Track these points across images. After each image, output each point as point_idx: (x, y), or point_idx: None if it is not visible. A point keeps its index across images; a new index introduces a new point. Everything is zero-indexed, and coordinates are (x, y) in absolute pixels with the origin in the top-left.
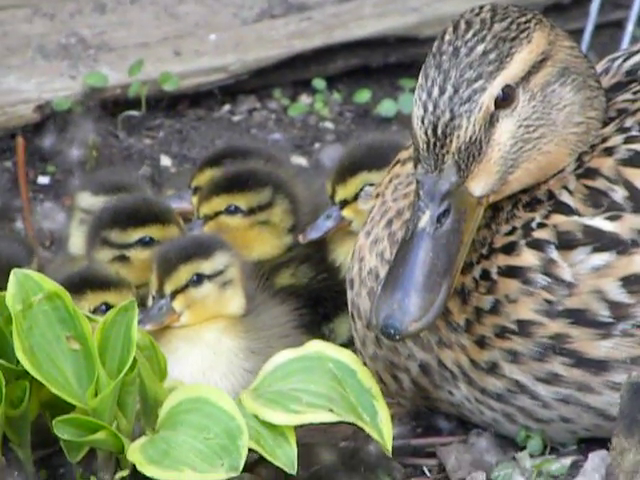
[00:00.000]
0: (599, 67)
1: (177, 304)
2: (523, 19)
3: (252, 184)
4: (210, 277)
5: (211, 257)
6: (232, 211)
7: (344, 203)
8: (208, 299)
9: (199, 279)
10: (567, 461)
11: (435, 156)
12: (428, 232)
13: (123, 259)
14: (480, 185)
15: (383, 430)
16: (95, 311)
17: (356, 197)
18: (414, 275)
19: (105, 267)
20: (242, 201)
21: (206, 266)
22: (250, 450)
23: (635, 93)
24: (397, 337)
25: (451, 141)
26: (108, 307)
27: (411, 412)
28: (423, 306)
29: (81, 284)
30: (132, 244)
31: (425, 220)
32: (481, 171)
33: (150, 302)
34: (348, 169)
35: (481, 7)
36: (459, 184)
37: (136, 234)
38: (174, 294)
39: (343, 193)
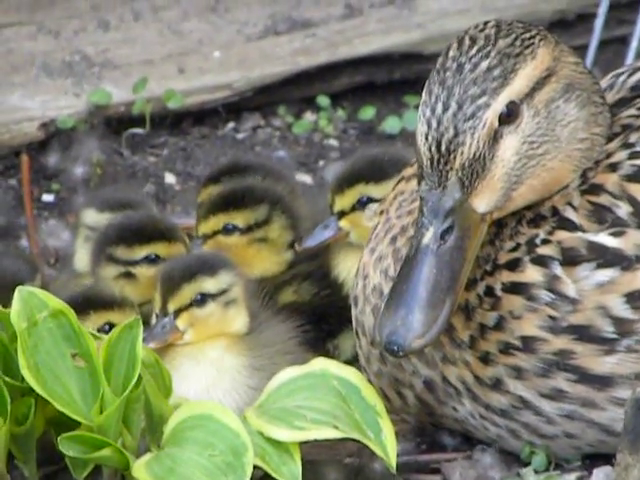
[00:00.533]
0: (604, 83)
1: (181, 322)
2: (527, 35)
3: (248, 201)
4: (214, 296)
5: (215, 276)
6: (230, 230)
7: (341, 214)
8: (212, 318)
9: (203, 298)
10: (571, 477)
11: (439, 173)
12: (432, 249)
13: (129, 276)
14: (484, 202)
15: (387, 447)
16: (99, 331)
17: (353, 208)
18: (417, 292)
19: (108, 286)
20: (239, 219)
21: (210, 285)
22: (255, 467)
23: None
24: (400, 354)
25: (455, 158)
26: (111, 327)
27: (415, 428)
28: (426, 322)
29: (84, 304)
30: (138, 261)
31: (429, 237)
32: (485, 187)
33: (154, 320)
34: (346, 180)
35: (485, 23)
36: (463, 201)
37: (142, 251)
38: (178, 312)
39: (341, 204)
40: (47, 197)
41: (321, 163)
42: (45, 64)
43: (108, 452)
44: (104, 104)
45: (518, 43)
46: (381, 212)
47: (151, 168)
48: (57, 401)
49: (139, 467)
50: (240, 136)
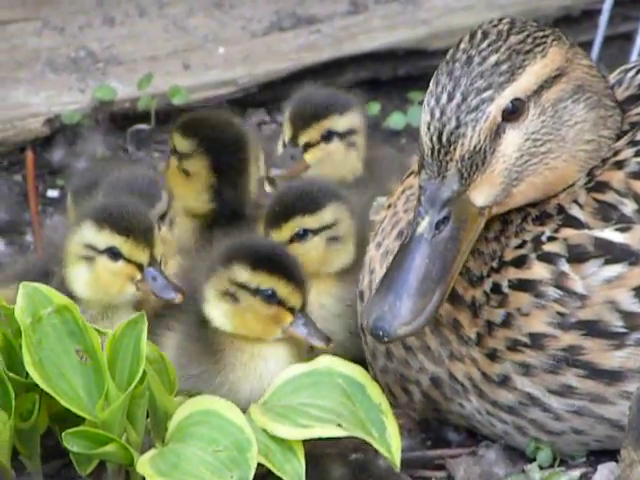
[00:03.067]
0: (612, 78)
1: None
2: (540, 34)
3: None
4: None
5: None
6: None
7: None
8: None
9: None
10: (576, 473)
11: (439, 163)
12: (426, 238)
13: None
14: (482, 195)
15: (392, 446)
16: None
17: (291, 240)
18: (408, 279)
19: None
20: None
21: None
22: (258, 464)
23: None
24: (385, 339)
25: (455, 149)
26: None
27: (421, 424)
28: (414, 310)
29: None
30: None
31: (424, 226)
32: (484, 181)
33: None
34: (282, 214)
35: (500, 19)
36: (461, 192)
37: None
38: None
39: (277, 237)
40: (52, 193)
41: None
42: (50, 60)
43: (112, 448)
44: (109, 100)
45: (530, 40)
46: (388, 206)
47: (156, 164)
48: (61, 397)
49: (143, 463)
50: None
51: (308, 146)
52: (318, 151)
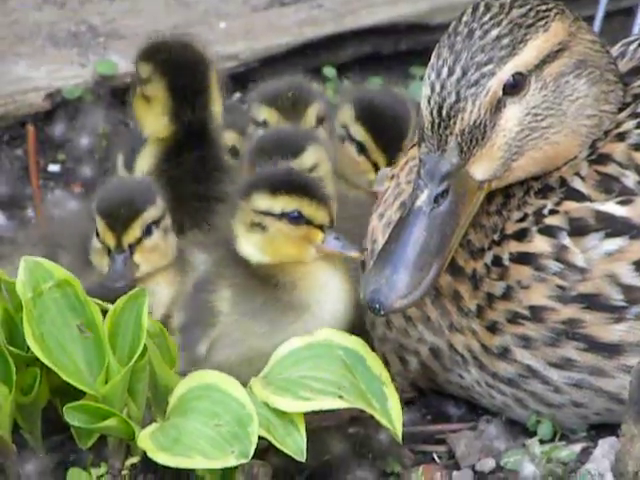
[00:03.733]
0: (614, 51)
1: None
2: (544, 7)
3: None
4: None
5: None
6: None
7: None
8: None
9: None
10: (577, 448)
11: (439, 136)
12: (424, 211)
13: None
14: (482, 169)
15: (393, 416)
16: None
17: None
18: (405, 252)
19: None
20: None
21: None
22: (260, 438)
23: None
24: (382, 312)
25: (455, 123)
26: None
27: (421, 399)
28: (411, 283)
29: None
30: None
31: (422, 199)
32: (484, 155)
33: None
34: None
35: None
36: (460, 166)
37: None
38: None
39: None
40: (53, 167)
41: None
42: (51, 34)
43: (113, 422)
44: (110, 74)
45: (532, 14)
46: (392, 177)
47: None
48: (62, 371)
49: (144, 437)
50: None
51: None
52: None
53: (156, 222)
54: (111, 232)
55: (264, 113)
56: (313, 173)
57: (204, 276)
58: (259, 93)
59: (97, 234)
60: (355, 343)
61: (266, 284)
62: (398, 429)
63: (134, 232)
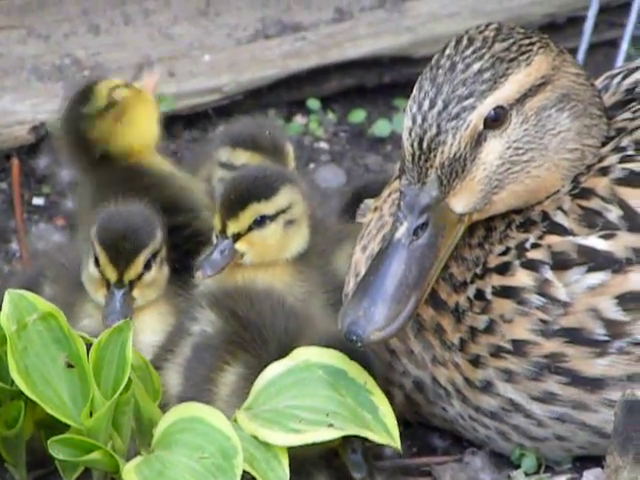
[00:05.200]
0: (598, 84)
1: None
2: (526, 41)
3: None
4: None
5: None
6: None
7: (237, 236)
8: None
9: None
10: (562, 479)
11: (419, 169)
12: (403, 243)
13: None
14: (462, 202)
15: (388, 424)
16: None
17: (250, 229)
18: (384, 285)
19: None
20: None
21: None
22: (244, 471)
23: (634, 112)
24: (359, 344)
25: (435, 155)
26: None
27: (406, 431)
28: (388, 316)
29: None
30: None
31: (402, 231)
32: (464, 188)
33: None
34: (238, 202)
35: (488, 25)
36: (440, 199)
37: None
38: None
39: (236, 227)
40: (37, 200)
41: (312, 166)
42: (35, 68)
43: (98, 455)
44: None
45: (514, 48)
46: (375, 209)
47: None
48: (47, 404)
49: (129, 470)
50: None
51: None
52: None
53: (154, 255)
54: (113, 266)
55: (242, 156)
56: (287, 215)
57: None
58: (230, 136)
59: (96, 263)
60: (333, 357)
61: None
62: (396, 437)
63: (136, 268)
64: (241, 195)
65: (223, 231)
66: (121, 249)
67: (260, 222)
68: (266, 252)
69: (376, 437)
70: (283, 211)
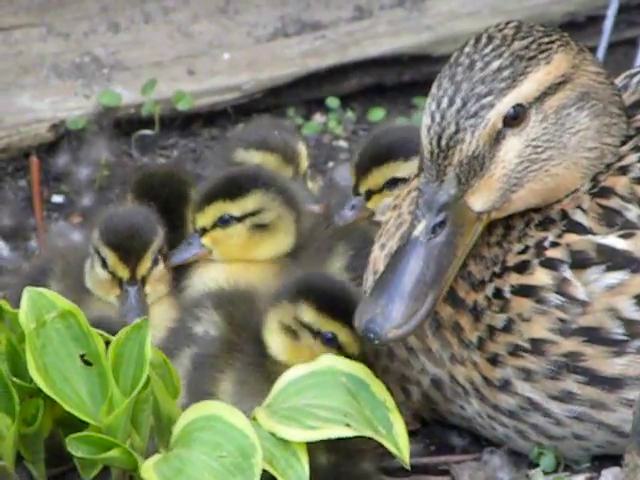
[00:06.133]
0: (617, 82)
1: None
2: (546, 39)
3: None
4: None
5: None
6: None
7: (203, 231)
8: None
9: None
10: (580, 478)
11: (437, 167)
12: (421, 241)
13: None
14: (480, 200)
15: (400, 443)
16: None
17: (215, 226)
18: (401, 282)
19: None
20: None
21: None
22: (262, 470)
23: None
24: (376, 342)
25: (453, 154)
26: None
27: (424, 429)
28: (406, 314)
29: None
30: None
31: (420, 229)
32: (482, 186)
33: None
34: (205, 198)
35: (507, 23)
36: (458, 197)
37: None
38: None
39: (202, 221)
40: (57, 198)
41: (330, 164)
42: (55, 65)
43: (116, 453)
44: (114, 105)
45: (534, 46)
46: (394, 207)
47: None
48: (65, 402)
49: (147, 468)
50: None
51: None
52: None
53: (160, 251)
54: (124, 264)
55: (255, 157)
56: (256, 219)
57: None
58: (244, 138)
59: (104, 265)
60: (358, 369)
61: None
62: (405, 455)
63: (146, 264)
64: (209, 192)
65: (194, 224)
66: (130, 247)
67: (225, 221)
68: (231, 251)
69: (389, 446)
70: (252, 214)
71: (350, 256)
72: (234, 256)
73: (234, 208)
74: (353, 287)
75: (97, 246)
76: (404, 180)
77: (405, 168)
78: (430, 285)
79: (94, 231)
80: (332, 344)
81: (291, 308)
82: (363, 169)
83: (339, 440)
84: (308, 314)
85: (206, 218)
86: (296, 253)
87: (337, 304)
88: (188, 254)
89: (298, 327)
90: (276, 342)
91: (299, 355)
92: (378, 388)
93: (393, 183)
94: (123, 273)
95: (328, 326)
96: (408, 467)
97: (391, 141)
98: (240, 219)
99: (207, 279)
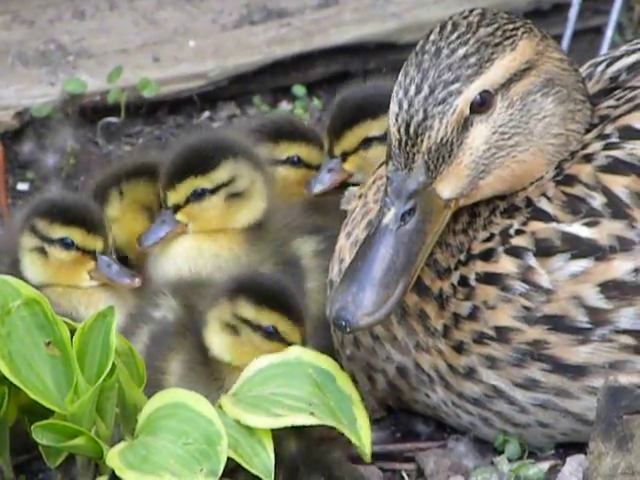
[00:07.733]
0: (582, 72)
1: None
2: (511, 26)
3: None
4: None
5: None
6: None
7: (177, 207)
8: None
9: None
10: (545, 465)
11: (406, 154)
12: (391, 229)
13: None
14: (449, 187)
15: (362, 436)
16: None
17: (188, 201)
18: (372, 270)
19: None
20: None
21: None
22: (228, 458)
23: (618, 99)
24: (348, 330)
25: (422, 141)
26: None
27: (390, 417)
28: (377, 301)
29: None
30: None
31: (389, 217)
32: (450, 173)
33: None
34: (177, 174)
35: (471, 10)
36: (427, 184)
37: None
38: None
39: (175, 198)
40: (22, 186)
41: None
42: (20, 53)
43: (82, 441)
44: (79, 93)
45: (499, 33)
46: (360, 195)
47: (126, 157)
48: (31, 390)
49: (113, 456)
50: (215, 125)
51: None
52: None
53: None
54: (94, 235)
55: (290, 150)
56: (230, 188)
57: None
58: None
59: (68, 246)
60: (325, 362)
61: None
62: (367, 449)
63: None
64: (179, 168)
65: (165, 202)
66: (92, 218)
67: (199, 195)
68: (208, 223)
69: (351, 437)
70: (225, 184)
71: (319, 239)
72: (212, 228)
73: (206, 181)
74: (288, 281)
75: (48, 234)
76: (378, 139)
77: (377, 126)
78: (400, 272)
79: (34, 225)
80: (273, 337)
81: (230, 306)
82: (336, 132)
83: (307, 428)
84: (247, 310)
85: (178, 195)
86: (264, 222)
87: (274, 296)
88: (163, 232)
89: (238, 323)
90: (218, 342)
91: (242, 353)
92: (344, 381)
93: (367, 142)
94: (96, 244)
95: (267, 319)
96: (369, 459)
97: (361, 99)
98: (213, 191)
99: (175, 254)
